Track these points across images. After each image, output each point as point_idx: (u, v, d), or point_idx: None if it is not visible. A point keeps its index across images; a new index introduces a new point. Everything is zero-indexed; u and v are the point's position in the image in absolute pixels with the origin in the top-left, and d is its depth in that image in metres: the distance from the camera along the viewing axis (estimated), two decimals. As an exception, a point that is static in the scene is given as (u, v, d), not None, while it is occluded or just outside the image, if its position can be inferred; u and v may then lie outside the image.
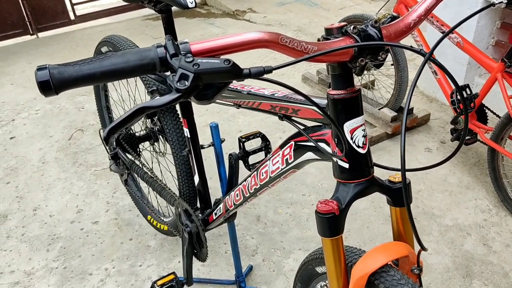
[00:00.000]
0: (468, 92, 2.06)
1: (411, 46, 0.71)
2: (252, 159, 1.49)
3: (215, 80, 0.65)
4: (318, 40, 0.83)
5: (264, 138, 1.53)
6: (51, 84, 0.63)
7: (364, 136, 0.86)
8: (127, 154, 1.83)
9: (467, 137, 2.28)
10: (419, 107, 2.80)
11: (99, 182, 2.47)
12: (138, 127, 1.91)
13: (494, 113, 2.18)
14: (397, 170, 0.91)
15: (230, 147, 2.58)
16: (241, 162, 1.49)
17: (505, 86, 1.94)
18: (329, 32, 0.80)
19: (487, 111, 2.17)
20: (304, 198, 2.24)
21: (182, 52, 0.66)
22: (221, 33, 4.45)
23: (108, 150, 1.80)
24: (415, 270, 0.93)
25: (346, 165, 0.87)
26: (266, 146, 1.53)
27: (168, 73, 0.67)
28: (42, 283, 1.90)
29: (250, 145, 1.51)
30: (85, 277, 1.92)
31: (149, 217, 2.03)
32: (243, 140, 1.50)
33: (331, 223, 0.86)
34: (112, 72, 0.64)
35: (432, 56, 0.69)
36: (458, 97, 2.02)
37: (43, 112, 3.25)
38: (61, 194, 2.40)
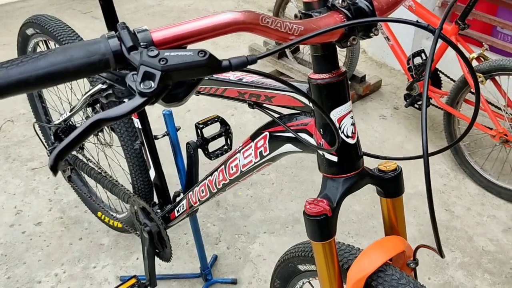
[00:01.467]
0: (424, 58, 2.02)
1: (417, 21, 0.60)
2: (211, 146, 1.36)
3: (188, 77, 0.51)
4: (295, 16, 0.70)
5: (223, 122, 1.40)
6: None
7: (353, 124, 0.76)
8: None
9: (420, 102, 2.26)
10: (370, 73, 2.76)
11: (38, 178, 2.24)
12: (79, 118, 1.71)
13: (449, 77, 2.16)
14: (393, 159, 0.82)
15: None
16: (200, 151, 1.36)
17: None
18: (310, 6, 0.67)
19: (441, 75, 2.15)
20: (264, 178, 2.14)
21: (142, 44, 0.51)
22: (157, 4, 4.18)
23: (49, 153, 1.60)
24: (411, 264, 0.86)
25: (335, 158, 0.77)
26: (226, 131, 1.40)
27: (126, 71, 0.53)
28: (-17, 299, 1.70)
29: (208, 131, 1.38)
30: (33, 286, 1.73)
31: (99, 213, 1.86)
32: (201, 126, 1.36)
33: (323, 225, 0.76)
34: (52, 75, 0.49)
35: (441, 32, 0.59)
36: (415, 63, 1.97)
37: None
38: (-5, 195, 2.16)
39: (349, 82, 2.41)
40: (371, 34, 0.66)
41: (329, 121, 0.68)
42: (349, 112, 0.75)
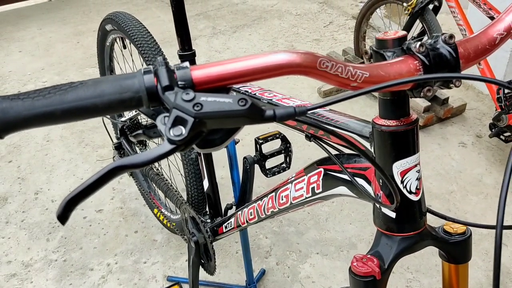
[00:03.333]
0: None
1: (500, 81, 0.50)
2: (269, 163, 1.30)
3: (224, 125, 0.45)
4: (366, 53, 0.62)
5: (284, 139, 1.34)
6: None
7: (418, 178, 0.67)
8: (132, 145, 1.65)
9: (507, 134, 2.06)
10: (454, 94, 2.56)
11: (105, 165, 2.31)
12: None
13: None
14: (462, 223, 0.71)
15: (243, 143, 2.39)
16: (257, 167, 1.31)
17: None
18: (383, 45, 0.59)
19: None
20: (324, 195, 2.05)
21: (179, 83, 0.46)
22: (241, 3, 4.18)
23: (113, 147, 1.62)
24: None
25: (393, 215, 0.68)
26: (286, 149, 1.33)
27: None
28: (40, 277, 1.78)
29: (268, 147, 1.32)
30: (86, 273, 1.79)
31: (155, 210, 1.87)
32: (261, 141, 1.30)
33: (369, 288, 0.68)
34: (79, 110, 0.45)
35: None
36: (506, 93, 1.78)
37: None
38: (64, 177, 2.26)
39: (430, 103, 2.25)
40: (451, 86, 0.56)
41: (386, 181, 0.60)
42: (415, 165, 0.66)
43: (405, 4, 2.16)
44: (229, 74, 0.48)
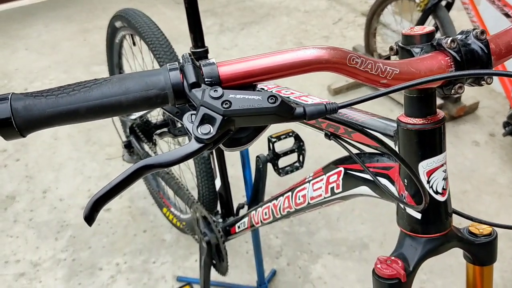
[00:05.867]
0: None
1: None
2: (282, 162, 1.29)
3: (253, 123, 0.44)
4: (391, 49, 0.60)
5: (297, 138, 1.32)
6: (14, 124, 0.43)
7: (445, 178, 0.65)
8: (141, 143, 1.64)
9: (521, 132, 2.03)
10: (467, 93, 2.52)
11: (113, 163, 2.30)
12: (155, 112, 1.71)
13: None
14: (490, 224, 0.69)
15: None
16: (270, 166, 1.29)
17: None
18: (410, 41, 0.57)
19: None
20: (335, 194, 2.03)
21: (206, 80, 0.44)
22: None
23: (123, 145, 1.60)
24: None
25: (418, 215, 0.66)
26: (299, 148, 1.31)
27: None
28: (48, 276, 1.77)
29: (281, 146, 1.30)
30: (95, 272, 1.77)
31: (164, 209, 1.86)
32: (274, 140, 1.28)
33: (394, 292, 0.66)
34: (104, 108, 0.44)
35: None
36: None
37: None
38: (72, 175, 2.24)
39: (443, 101, 2.22)
40: (483, 82, 0.54)
41: (416, 182, 0.58)
42: (442, 165, 0.64)
43: (417, 1, 2.13)
44: (256, 71, 0.46)
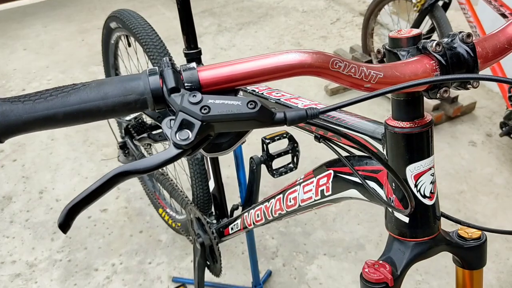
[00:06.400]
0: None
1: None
2: (276, 163, 1.28)
3: (232, 129, 0.43)
4: (378, 52, 0.59)
5: (291, 139, 1.31)
6: None
7: (433, 182, 0.64)
8: (136, 144, 1.63)
9: (518, 133, 2.02)
10: (463, 93, 2.52)
11: (110, 164, 2.30)
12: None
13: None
14: (478, 228, 0.69)
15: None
16: (264, 167, 1.29)
17: None
18: (396, 44, 0.56)
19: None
20: (331, 194, 2.03)
21: (186, 84, 0.44)
22: (246, -1, 4.14)
23: (118, 146, 1.60)
24: None
25: (406, 219, 0.65)
26: (293, 149, 1.31)
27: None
28: (44, 277, 1.77)
29: (275, 147, 1.30)
30: (90, 273, 1.77)
31: (160, 210, 1.86)
32: (267, 141, 1.28)
33: (381, 296, 0.65)
34: (82, 113, 0.43)
35: None
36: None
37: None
38: (69, 176, 2.24)
39: (439, 101, 2.22)
40: (469, 86, 0.54)
41: (401, 186, 0.57)
42: (429, 169, 0.63)
43: (414, 1, 2.12)
44: (237, 75, 0.46)
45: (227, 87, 0.46)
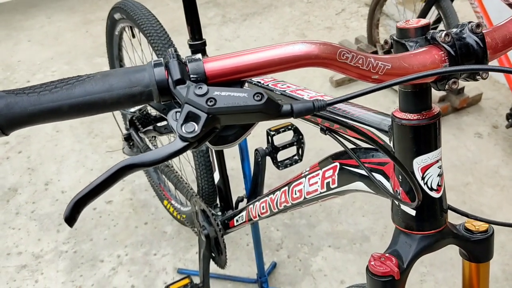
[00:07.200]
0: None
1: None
2: (281, 155, 1.28)
3: (238, 121, 0.43)
4: (385, 42, 0.59)
5: (296, 131, 1.31)
6: None
7: (440, 175, 0.64)
8: (141, 136, 1.63)
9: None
10: (470, 84, 2.50)
11: (115, 156, 2.30)
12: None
13: None
14: (486, 221, 0.68)
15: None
16: (268, 159, 1.28)
17: None
18: (404, 34, 0.56)
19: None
20: (336, 186, 2.02)
21: (192, 76, 0.44)
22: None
23: (123, 138, 1.60)
24: None
25: (412, 212, 0.65)
26: (298, 141, 1.31)
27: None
28: (50, 268, 1.78)
29: (280, 139, 1.30)
30: (96, 264, 1.78)
31: (165, 202, 1.86)
32: (272, 133, 1.28)
33: (388, 289, 0.65)
34: (87, 105, 0.43)
35: None
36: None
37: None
38: (74, 168, 2.25)
39: (445, 93, 2.20)
40: (478, 77, 0.53)
41: (408, 179, 0.57)
42: (437, 161, 0.63)
43: (420, -9, 2.10)
44: (243, 67, 0.45)
45: (233, 78, 0.46)
